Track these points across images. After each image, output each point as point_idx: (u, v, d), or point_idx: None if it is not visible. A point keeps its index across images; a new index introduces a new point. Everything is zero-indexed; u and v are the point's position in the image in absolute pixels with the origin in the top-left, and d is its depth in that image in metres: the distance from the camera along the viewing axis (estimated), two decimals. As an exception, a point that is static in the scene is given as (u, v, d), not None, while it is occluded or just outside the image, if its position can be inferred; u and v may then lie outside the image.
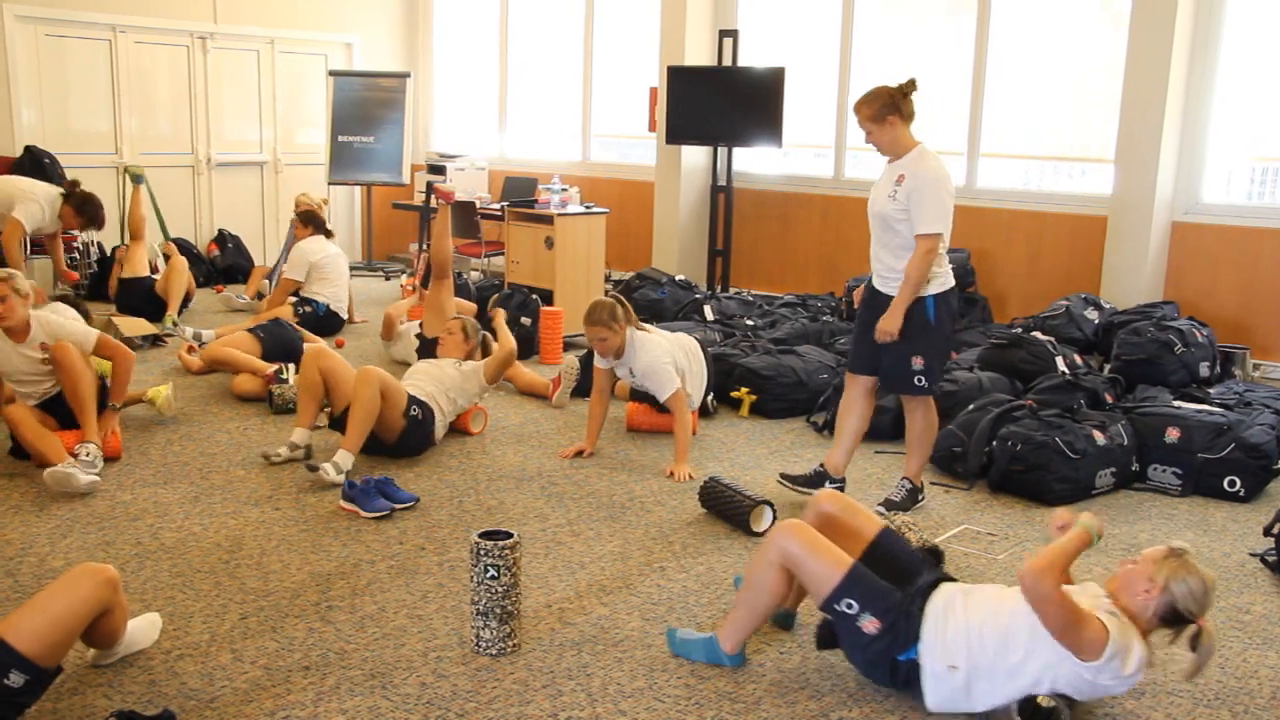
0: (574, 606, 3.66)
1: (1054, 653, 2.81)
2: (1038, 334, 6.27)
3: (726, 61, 8.95)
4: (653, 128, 9.37)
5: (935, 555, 3.79)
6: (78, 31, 9.43)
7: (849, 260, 8.39)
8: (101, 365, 5.20)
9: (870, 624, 2.99)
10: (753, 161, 9.24)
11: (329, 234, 8.07)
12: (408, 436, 5.14)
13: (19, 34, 9.06)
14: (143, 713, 2.71)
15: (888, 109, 4.35)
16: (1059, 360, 5.98)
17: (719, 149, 9.07)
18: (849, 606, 3.01)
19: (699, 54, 9.05)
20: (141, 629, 3.25)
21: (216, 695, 3.06)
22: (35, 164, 8.83)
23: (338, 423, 5.11)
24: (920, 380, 4.49)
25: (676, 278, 8.46)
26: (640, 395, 5.69)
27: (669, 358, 5.33)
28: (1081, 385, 5.54)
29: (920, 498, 4.69)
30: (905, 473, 4.69)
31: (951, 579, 3.17)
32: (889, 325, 4.38)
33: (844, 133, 8.73)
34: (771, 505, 4.39)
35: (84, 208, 7.84)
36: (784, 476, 4.79)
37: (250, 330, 6.71)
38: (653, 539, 4.28)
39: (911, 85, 4.39)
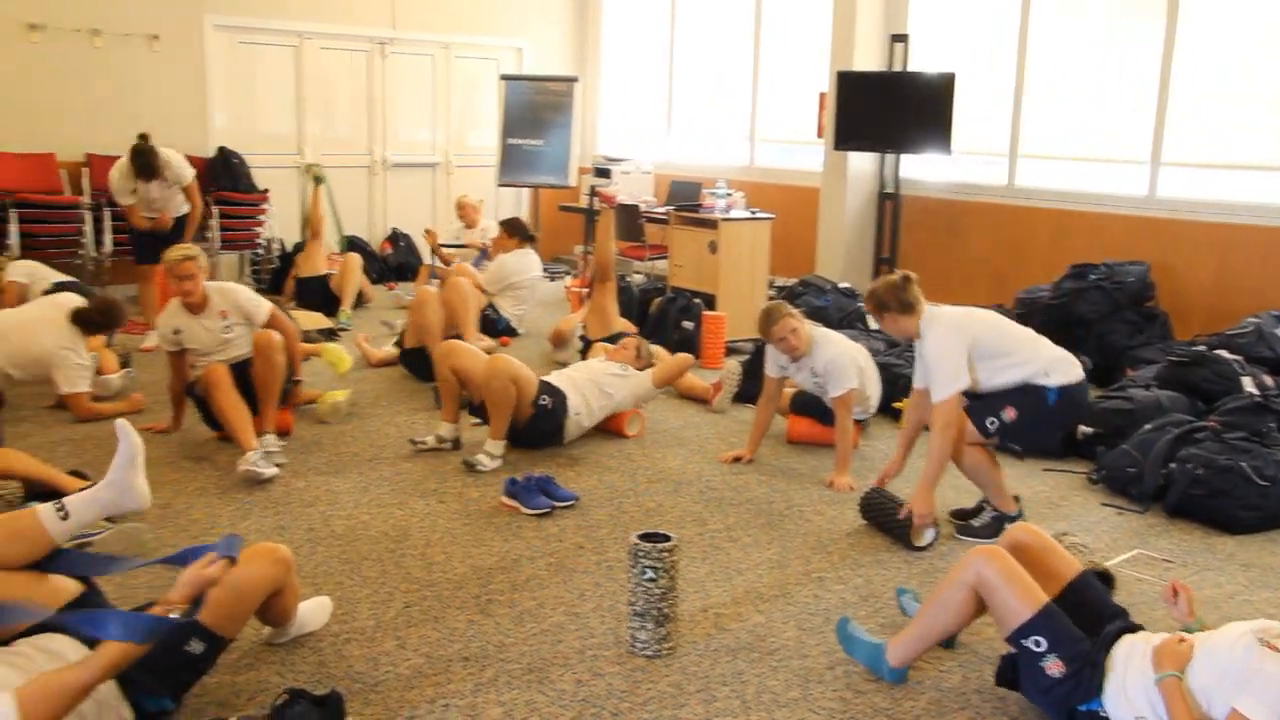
0: (730, 612, 3.64)
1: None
2: (1223, 352, 5.95)
3: (897, 67, 8.80)
4: (820, 133, 9.27)
5: (1106, 579, 3.63)
6: (267, 39, 9.90)
7: (1020, 271, 8.14)
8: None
9: (1055, 666, 2.87)
10: (921, 168, 9.06)
11: (532, 239, 8.14)
12: (535, 423, 5.22)
13: (215, 42, 9.55)
14: (312, 691, 2.80)
15: (881, 308, 4.30)
16: (1246, 380, 5.66)
17: (887, 155, 8.93)
18: (1036, 644, 2.90)
19: (869, 59, 8.92)
20: (312, 611, 3.37)
21: (380, 680, 3.14)
22: (225, 164, 9.29)
23: (477, 410, 5.26)
24: (992, 425, 4.24)
25: (840, 285, 8.34)
26: (802, 408, 5.59)
27: (849, 358, 5.20)
28: (1272, 408, 5.24)
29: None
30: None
31: (1137, 628, 3.01)
32: (919, 508, 4.17)
33: (1017, 139, 8.47)
34: (935, 522, 4.28)
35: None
36: (955, 519, 4.50)
37: None
38: (811, 548, 4.23)
39: (906, 281, 4.29)
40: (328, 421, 5.69)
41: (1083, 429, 5.33)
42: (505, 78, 10.79)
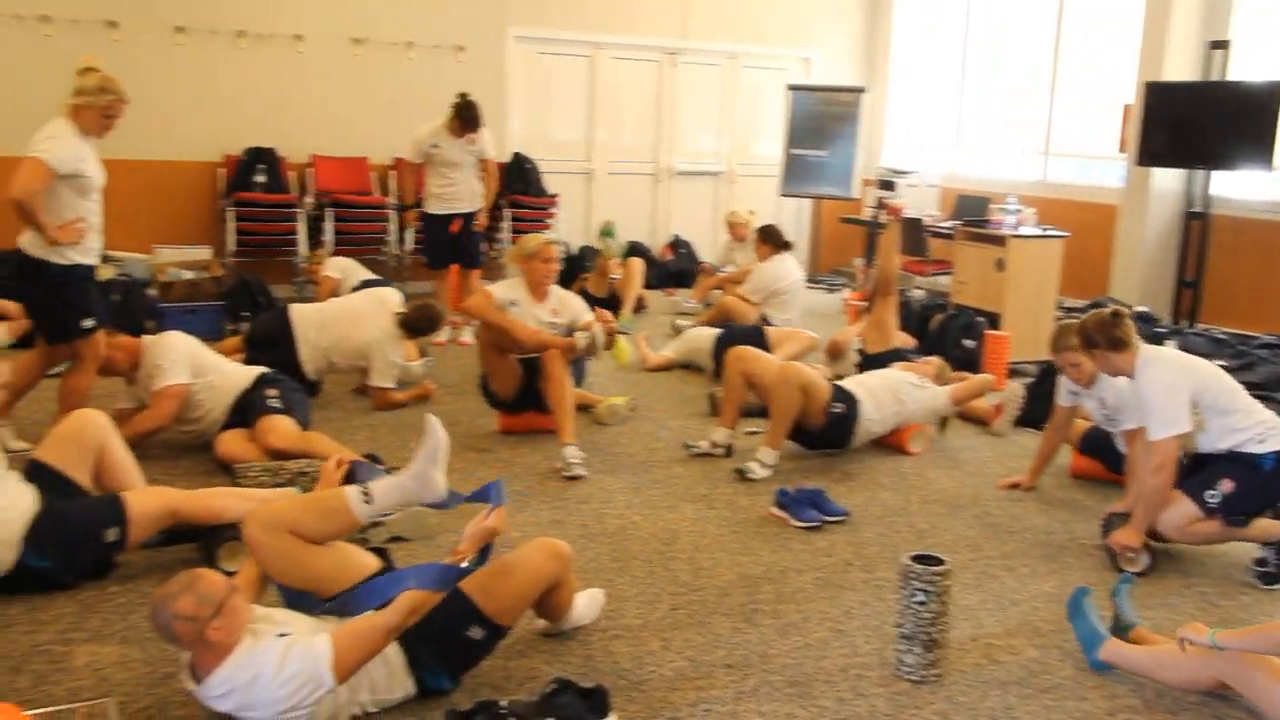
0: (1003, 644, 3.49)
1: None
2: None
3: (1214, 75, 8.21)
4: (1123, 148, 8.77)
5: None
6: (563, 49, 10.30)
7: (1347, 300, 7.44)
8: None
9: None
10: (1236, 186, 8.41)
11: (787, 246, 8.12)
12: (828, 430, 5.20)
13: (516, 53, 10.02)
14: (579, 683, 2.87)
15: (1089, 344, 4.10)
16: None
17: (1196, 171, 8.34)
18: None
19: (1182, 68, 8.36)
20: (585, 605, 3.46)
21: (644, 679, 3.19)
22: (519, 169, 9.72)
23: (761, 412, 5.27)
24: (1213, 500, 3.98)
25: (1136, 309, 7.86)
26: (1093, 448, 5.08)
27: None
28: None
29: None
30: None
31: None
32: (1126, 539, 4.02)
33: (1352, 156, 7.74)
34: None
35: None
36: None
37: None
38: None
39: (1118, 316, 4.01)
40: (606, 423, 5.84)
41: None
42: (792, 88, 10.78)
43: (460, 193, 7.49)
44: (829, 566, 4.08)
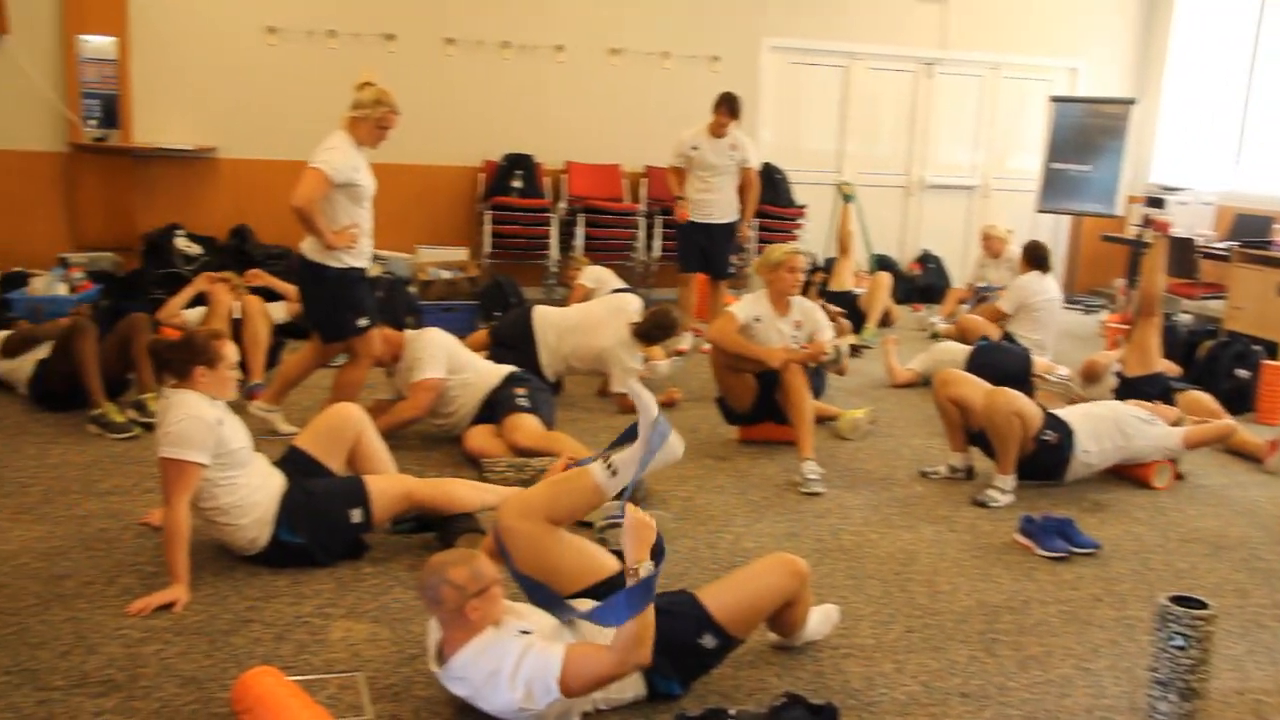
0: (1273, 702, 3.22)
1: None
2: None
3: None
4: None
5: None
6: (817, 60, 10.22)
7: None
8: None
9: None
10: None
11: (1047, 268, 7.76)
12: (1037, 458, 4.95)
13: (770, 63, 10.02)
14: (808, 699, 2.84)
15: None
16: None
17: None
18: None
19: None
20: (818, 621, 3.41)
21: (875, 701, 3.12)
22: (769, 179, 9.70)
23: (976, 439, 5.08)
24: None
25: None
26: None
27: None
28: None
29: None
30: None
31: None
32: None
33: None
34: None
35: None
36: None
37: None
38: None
39: None
40: (848, 438, 5.75)
41: None
42: (1055, 99, 10.34)
43: (718, 200, 7.51)
44: (1075, 600, 3.88)
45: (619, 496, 3.12)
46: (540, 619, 2.90)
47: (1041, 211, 10.41)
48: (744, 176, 7.54)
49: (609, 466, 3.12)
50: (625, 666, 2.68)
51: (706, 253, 7.59)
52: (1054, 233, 11.20)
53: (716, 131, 7.37)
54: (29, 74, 8.00)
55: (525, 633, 2.74)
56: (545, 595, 2.99)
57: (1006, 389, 4.94)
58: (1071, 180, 10.17)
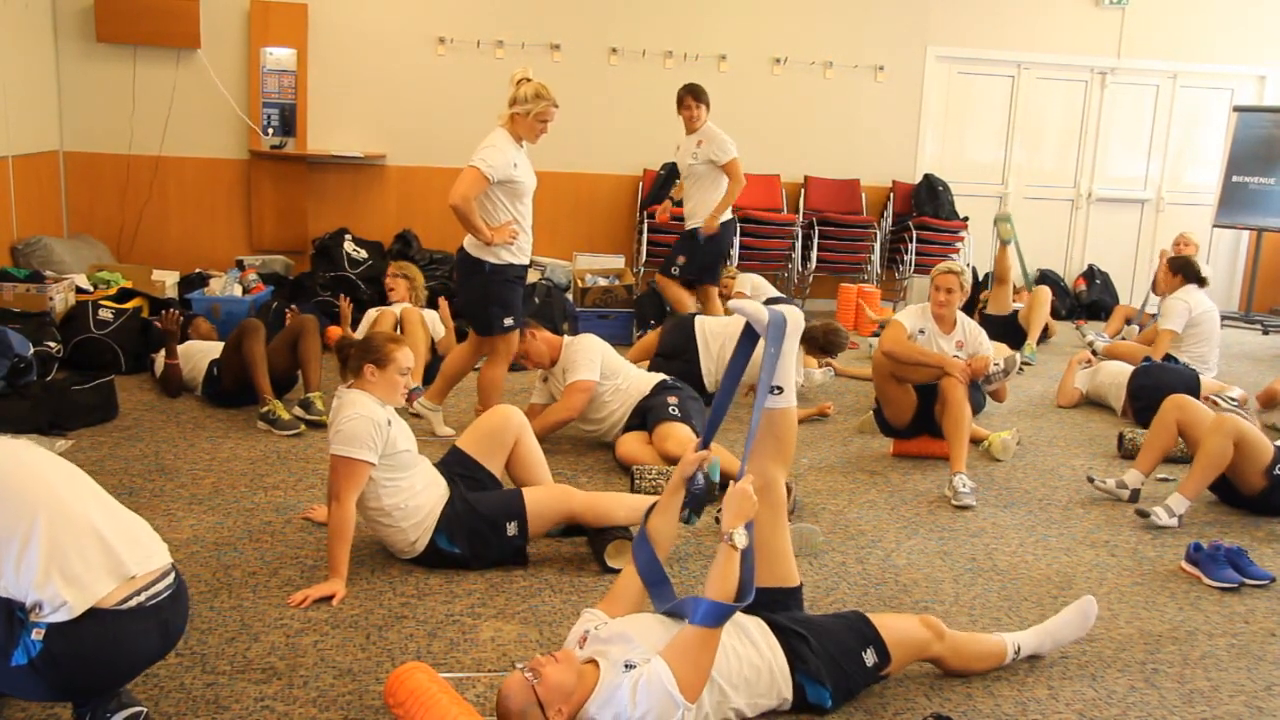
0: None
1: None
2: None
3: None
4: None
5: None
6: (985, 69, 10.01)
7: None
8: None
9: None
10: None
11: (1203, 282, 7.39)
12: (1269, 495, 4.73)
13: (936, 72, 9.85)
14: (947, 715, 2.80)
15: None
16: None
17: None
18: None
19: None
20: (1075, 618, 3.45)
21: (1027, 727, 3.04)
22: (930, 191, 9.54)
23: (1181, 460, 4.93)
24: None
25: None
26: None
27: None
28: None
29: None
30: None
31: None
32: None
33: None
34: None
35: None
36: None
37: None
38: None
39: None
40: (999, 459, 5.61)
41: None
42: (1238, 109, 9.88)
43: (691, 205, 7.11)
44: (1246, 634, 3.70)
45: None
46: (643, 630, 2.81)
47: (1218, 226, 9.96)
48: (725, 170, 6.94)
49: (778, 388, 3.07)
50: (713, 637, 2.67)
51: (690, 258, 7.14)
52: (1233, 248, 10.73)
53: (688, 127, 7.03)
54: (218, 85, 8.43)
55: (629, 667, 2.65)
56: (665, 591, 2.97)
57: (1237, 417, 4.75)
58: (1254, 194, 9.72)
